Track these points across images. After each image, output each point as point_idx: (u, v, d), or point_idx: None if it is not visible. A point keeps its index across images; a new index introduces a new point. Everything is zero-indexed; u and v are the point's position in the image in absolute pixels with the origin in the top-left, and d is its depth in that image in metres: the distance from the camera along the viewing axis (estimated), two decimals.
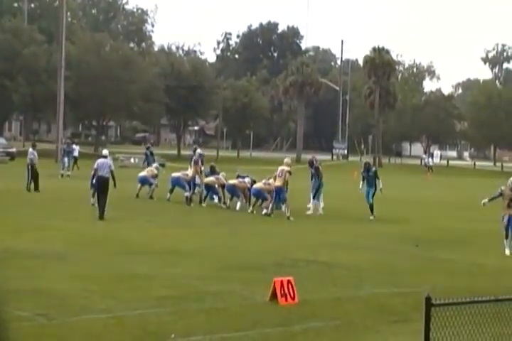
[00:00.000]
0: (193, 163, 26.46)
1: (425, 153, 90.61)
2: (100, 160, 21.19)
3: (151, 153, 34.41)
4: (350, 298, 11.49)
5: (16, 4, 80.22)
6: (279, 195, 23.14)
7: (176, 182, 26.20)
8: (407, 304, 11.03)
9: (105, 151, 22.29)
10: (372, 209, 23.35)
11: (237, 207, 24.66)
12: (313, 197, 24.56)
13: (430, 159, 75.99)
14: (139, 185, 27.21)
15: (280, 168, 23.38)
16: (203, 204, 25.55)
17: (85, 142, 78.25)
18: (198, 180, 26.04)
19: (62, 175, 36.89)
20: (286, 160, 23.95)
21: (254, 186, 24.46)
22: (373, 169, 23.74)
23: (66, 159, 37.57)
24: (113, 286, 11.51)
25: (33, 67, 63.06)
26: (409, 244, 18.02)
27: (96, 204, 20.85)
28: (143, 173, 27.66)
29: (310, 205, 24.81)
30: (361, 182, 23.91)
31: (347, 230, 20.69)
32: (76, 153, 41.96)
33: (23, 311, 9.62)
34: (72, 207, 23.13)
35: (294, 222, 22.26)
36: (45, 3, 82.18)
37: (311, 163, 25.56)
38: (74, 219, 19.97)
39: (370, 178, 23.39)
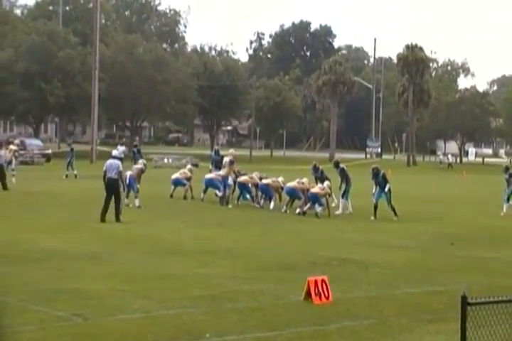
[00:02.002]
0: (228, 164, 26.64)
1: (460, 150, 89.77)
2: (109, 161, 20.22)
3: (138, 151, 35.32)
4: (385, 296, 11.42)
5: (51, 7, 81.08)
6: (317, 201, 23.09)
7: (210, 183, 26.28)
8: (442, 303, 10.93)
9: (114, 152, 21.17)
10: (394, 211, 23.07)
11: (271, 207, 24.65)
12: (342, 197, 24.57)
13: (450, 156, 75.81)
14: (173, 187, 27.36)
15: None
16: (238, 203, 25.59)
17: (119, 143, 78.75)
18: (230, 181, 26.07)
19: (75, 176, 36.88)
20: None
21: (288, 185, 24.42)
22: (381, 173, 23.57)
23: (69, 160, 37.75)
24: (147, 286, 11.57)
25: (68, 69, 63.67)
26: (444, 242, 17.86)
27: (124, 204, 20.49)
28: (175, 175, 27.71)
29: (333, 204, 24.94)
30: (374, 187, 23.65)
31: (380, 229, 20.58)
32: (121, 154, 42.15)
33: (60, 311, 9.72)
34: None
35: (326, 221, 22.22)
36: (79, 5, 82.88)
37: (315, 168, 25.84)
38: (106, 219, 20.03)
39: (381, 183, 23.32)
